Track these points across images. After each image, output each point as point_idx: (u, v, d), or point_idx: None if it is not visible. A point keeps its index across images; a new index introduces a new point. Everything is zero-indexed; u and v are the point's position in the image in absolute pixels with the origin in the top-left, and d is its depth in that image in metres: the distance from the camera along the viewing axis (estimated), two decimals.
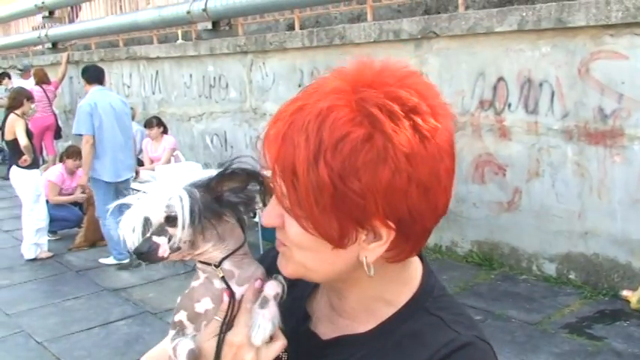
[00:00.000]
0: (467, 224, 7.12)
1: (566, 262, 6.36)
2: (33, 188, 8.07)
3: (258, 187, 1.13)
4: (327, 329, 1.16)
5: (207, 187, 1.10)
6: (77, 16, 16.01)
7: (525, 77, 6.31)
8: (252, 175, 1.12)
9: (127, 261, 7.74)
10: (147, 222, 1.08)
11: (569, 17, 5.79)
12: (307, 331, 1.17)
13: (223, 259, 1.13)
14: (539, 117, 6.26)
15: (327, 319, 1.17)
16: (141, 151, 10.43)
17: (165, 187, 1.09)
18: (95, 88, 7.59)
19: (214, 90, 10.53)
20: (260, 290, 1.12)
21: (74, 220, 9.01)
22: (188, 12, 10.43)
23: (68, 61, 13.51)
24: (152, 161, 9.83)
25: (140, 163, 9.87)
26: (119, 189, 7.62)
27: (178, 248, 1.08)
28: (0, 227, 9.95)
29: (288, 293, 1.16)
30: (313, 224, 0.97)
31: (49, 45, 15.70)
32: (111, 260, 7.80)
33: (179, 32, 11.43)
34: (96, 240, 8.48)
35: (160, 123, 9.86)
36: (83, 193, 8.78)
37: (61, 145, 11.85)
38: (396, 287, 1.11)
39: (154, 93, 12.03)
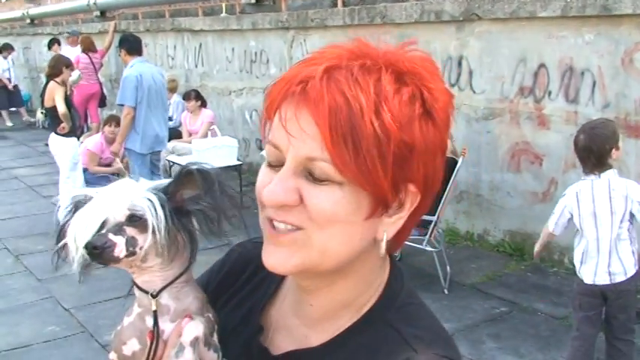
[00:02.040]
0: (500, 213, 6.98)
1: None
2: (70, 156, 8.16)
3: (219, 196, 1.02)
4: (281, 342, 1.07)
5: (164, 194, 1.02)
6: None
7: (567, 65, 6.12)
8: (209, 180, 1.01)
9: None
10: (103, 221, 0.99)
11: (615, 4, 5.58)
12: (258, 346, 1.08)
13: (163, 288, 1.04)
14: (579, 107, 6.07)
15: (286, 329, 1.09)
16: (180, 123, 10.50)
17: (126, 187, 1.02)
18: (137, 59, 7.64)
19: (255, 65, 10.50)
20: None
21: None
22: None
23: (115, 30, 13.62)
24: (190, 134, 9.88)
25: (179, 136, 9.94)
26: (152, 160, 7.73)
27: (133, 253, 0.99)
28: (40, 192, 10.14)
29: (245, 302, 1.09)
30: (371, 181, 0.87)
31: (98, 13, 15.84)
32: None
33: (223, 5, 11.39)
34: None
35: (198, 96, 9.88)
36: (121, 161, 8.88)
37: (106, 114, 11.98)
38: (367, 291, 1.03)
39: (196, 66, 12.05)
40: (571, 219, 4.16)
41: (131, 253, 0.99)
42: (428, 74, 0.91)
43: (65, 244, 1.02)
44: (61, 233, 1.05)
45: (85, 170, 8.58)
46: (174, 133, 9.81)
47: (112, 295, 6.13)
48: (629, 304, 4.19)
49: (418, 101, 0.89)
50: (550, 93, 6.30)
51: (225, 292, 1.17)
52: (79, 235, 0.99)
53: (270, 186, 0.91)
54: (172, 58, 12.72)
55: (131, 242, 0.98)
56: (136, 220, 0.98)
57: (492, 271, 6.44)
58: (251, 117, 10.83)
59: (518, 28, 6.49)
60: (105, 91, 13.76)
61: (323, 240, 0.91)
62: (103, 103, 13.69)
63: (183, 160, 9.07)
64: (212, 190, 1.01)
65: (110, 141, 8.90)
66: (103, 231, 0.98)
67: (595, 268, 4.10)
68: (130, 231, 0.98)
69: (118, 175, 9.16)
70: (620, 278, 4.07)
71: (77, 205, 1.03)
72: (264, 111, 0.94)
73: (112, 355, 1.07)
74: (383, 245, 0.96)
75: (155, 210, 0.98)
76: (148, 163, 7.69)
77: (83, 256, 1.00)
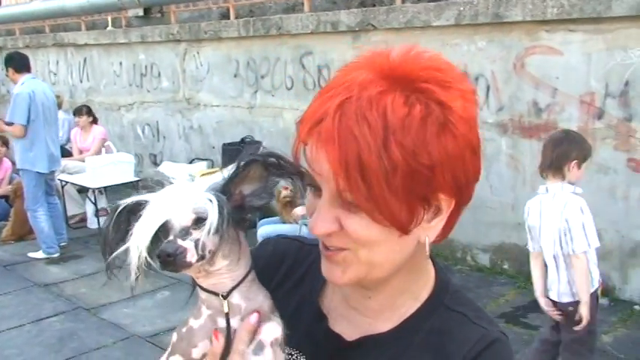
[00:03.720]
0: None
1: (499, 253, 6.51)
2: None
3: (277, 179, 1.02)
4: (346, 329, 1.12)
5: (223, 192, 1.00)
6: (0, 1, 15.40)
7: (462, 71, 6.39)
8: (272, 165, 1.02)
9: (56, 255, 7.53)
10: (162, 228, 0.97)
11: (505, 12, 5.91)
12: (327, 332, 1.13)
13: (233, 288, 1.04)
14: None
15: (344, 318, 1.14)
16: (68, 140, 10.13)
17: (186, 189, 1.00)
18: (27, 76, 7.34)
19: (146, 79, 10.32)
20: (256, 328, 1.04)
21: (0, 214, 8.70)
22: None
23: None
24: (81, 152, 9.55)
25: (68, 154, 9.60)
26: (46, 180, 7.47)
27: (203, 257, 0.97)
28: None
29: (292, 295, 1.11)
30: (385, 212, 0.93)
31: None
32: (40, 254, 7.56)
33: (109, 19, 11.12)
34: (24, 234, 8.21)
35: (89, 112, 9.57)
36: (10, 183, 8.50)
37: None
38: (420, 279, 1.11)
39: (81, 81, 11.70)
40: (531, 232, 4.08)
41: (201, 257, 0.97)
42: (438, 86, 0.95)
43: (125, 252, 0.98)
44: (108, 240, 1.02)
45: None
46: (62, 152, 9.44)
47: (15, 322, 5.90)
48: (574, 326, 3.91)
49: (431, 118, 0.92)
50: None
51: (266, 286, 1.18)
52: (142, 243, 0.96)
53: (313, 219, 1.00)
54: (55, 74, 12.29)
55: (199, 246, 0.97)
56: (202, 223, 0.96)
57: None
58: (143, 132, 10.62)
59: (413, 37, 6.72)
60: None
61: (368, 256, 1.00)
62: None
63: (75, 179, 8.79)
64: (277, 172, 1.03)
65: None
66: (171, 237, 0.96)
67: (550, 283, 4.03)
68: (197, 234, 0.97)
69: (7, 197, 8.75)
70: (566, 299, 3.94)
71: (132, 211, 1.01)
72: (297, 139, 0.99)
73: (177, 359, 1.05)
74: (427, 248, 1.03)
75: (219, 211, 0.97)
76: (43, 184, 7.40)
77: (143, 264, 0.98)
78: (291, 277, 1.22)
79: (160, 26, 9.90)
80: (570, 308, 3.93)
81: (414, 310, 1.10)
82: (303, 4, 8.10)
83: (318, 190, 0.99)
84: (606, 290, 5.73)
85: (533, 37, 5.86)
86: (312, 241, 1.21)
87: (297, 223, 6.30)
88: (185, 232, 0.97)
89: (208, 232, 0.96)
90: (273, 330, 1.03)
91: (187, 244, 0.96)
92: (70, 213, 8.99)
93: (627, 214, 5.59)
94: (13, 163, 8.49)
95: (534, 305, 5.71)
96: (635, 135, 5.43)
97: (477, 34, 6.22)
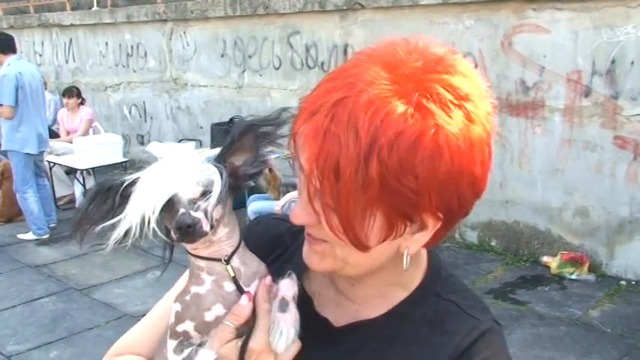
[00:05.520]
0: None
1: (487, 230, 6.57)
2: None
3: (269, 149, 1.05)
4: (335, 314, 1.11)
5: (219, 162, 1.03)
6: None
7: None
8: (264, 134, 1.04)
9: (46, 236, 7.52)
10: (170, 199, 0.99)
11: None
12: (316, 315, 1.11)
13: (232, 253, 1.07)
14: None
15: (334, 302, 1.12)
16: (55, 121, 10.08)
17: (187, 161, 1.02)
18: (13, 57, 7.28)
19: (132, 59, 10.26)
20: (271, 287, 1.07)
21: None
22: None
23: None
24: (68, 133, 9.51)
25: (55, 135, 9.55)
26: (35, 162, 7.44)
27: (212, 226, 1.00)
28: None
29: (282, 272, 1.10)
30: (346, 226, 0.91)
31: None
32: (30, 235, 7.54)
33: None
34: (13, 215, 8.19)
35: (79, 93, 9.51)
36: None
37: None
38: (411, 271, 1.07)
39: (67, 62, 11.61)
40: None
41: (211, 227, 1.01)
42: (446, 101, 0.88)
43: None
44: (89, 212, 1.04)
45: None
46: (49, 133, 9.39)
47: (7, 304, 5.90)
48: None
49: (426, 138, 0.86)
50: None
51: None
52: (149, 213, 0.99)
53: (293, 208, 1.01)
54: (40, 55, 12.18)
55: (209, 216, 1.00)
56: (208, 194, 1.00)
57: None
58: (130, 112, 10.58)
59: (401, 16, 6.72)
60: None
61: (344, 254, 0.98)
62: None
63: (63, 160, 8.75)
64: (268, 140, 1.05)
65: None
66: (182, 210, 0.98)
67: None
68: (204, 205, 1.00)
69: None
70: None
71: (117, 191, 1.03)
72: (295, 123, 0.97)
73: (186, 326, 1.06)
74: (405, 260, 0.99)
75: (222, 182, 1.00)
76: (32, 165, 7.37)
77: (145, 233, 1.00)
78: (278, 258, 1.21)
79: (146, 6, 9.81)
80: None
81: (403, 299, 1.08)
82: None
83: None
84: (593, 266, 5.81)
85: (520, 15, 5.87)
86: None
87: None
88: (193, 204, 0.99)
89: (217, 203, 1.00)
90: (292, 286, 1.05)
91: (199, 214, 0.99)
92: (58, 194, 8.96)
93: (614, 191, 5.64)
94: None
95: (522, 281, 5.81)
96: (622, 113, 5.47)
97: (464, 12, 6.23)
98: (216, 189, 0.99)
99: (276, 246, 1.24)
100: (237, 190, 1.06)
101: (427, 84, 0.89)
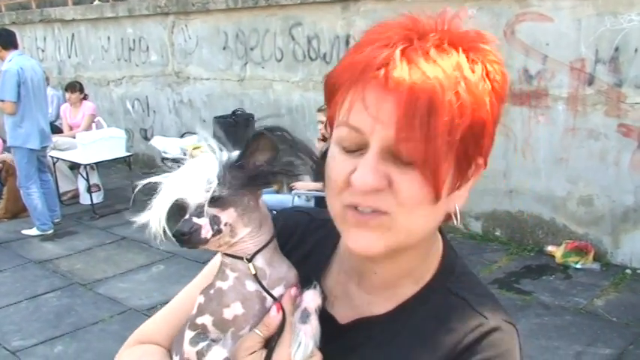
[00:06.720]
0: None
1: (491, 220, 6.56)
2: None
3: (291, 157, 1.02)
4: (343, 311, 1.10)
5: (239, 164, 1.03)
6: None
7: None
8: (283, 139, 1.01)
9: (50, 231, 7.54)
10: (180, 205, 1.01)
11: None
12: (324, 314, 1.07)
13: (256, 252, 1.06)
14: None
15: (345, 298, 1.11)
16: (57, 117, 10.09)
17: (199, 166, 1.02)
18: (15, 53, 7.30)
19: (134, 53, 10.25)
20: (296, 299, 1.05)
21: None
22: None
23: None
24: (71, 128, 9.51)
25: (57, 130, 9.56)
26: (38, 157, 7.46)
27: (219, 231, 1.00)
28: None
29: (299, 267, 1.09)
30: (435, 170, 0.89)
31: None
32: (34, 231, 7.56)
33: None
34: (17, 211, 8.20)
35: (82, 88, 9.51)
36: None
37: None
38: (426, 261, 1.07)
39: (69, 57, 11.60)
40: None
41: (217, 232, 1.01)
42: (490, 50, 0.94)
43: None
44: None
45: None
46: (52, 128, 9.40)
47: (12, 299, 5.92)
48: None
49: (487, 78, 0.91)
50: None
51: None
52: (160, 220, 1.02)
53: (360, 171, 0.91)
54: (43, 51, 12.18)
55: (214, 221, 1.00)
56: (216, 199, 1.00)
57: None
58: (133, 106, 10.58)
59: (402, 6, 6.68)
60: None
61: (408, 223, 0.94)
62: None
63: (66, 156, 8.76)
64: (287, 146, 1.02)
65: None
66: (187, 216, 1.00)
67: None
68: (211, 210, 1.00)
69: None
70: None
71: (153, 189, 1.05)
72: (330, 94, 0.96)
73: (205, 319, 1.07)
74: (457, 217, 0.99)
75: (231, 186, 1.00)
76: (35, 161, 7.39)
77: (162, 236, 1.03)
78: (296, 252, 1.19)
79: None
80: None
81: (414, 292, 1.06)
82: None
83: (355, 150, 0.92)
84: (598, 255, 5.80)
85: (522, 3, 5.84)
86: (324, 216, 1.14)
87: (289, 193, 6.32)
88: (200, 210, 1.00)
89: (224, 206, 1.01)
90: (316, 297, 1.05)
91: (202, 221, 1.00)
92: (62, 190, 8.98)
93: (618, 179, 5.63)
94: (4, 141, 8.45)
95: (526, 271, 5.80)
96: (626, 100, 5.44)
97: (467, 1, 6.19)
98: (224, 193, 1.00)
99: (293, 238, 1.22)
100: (260, 188, 1.06)
101: (469, 34, 0.94)
